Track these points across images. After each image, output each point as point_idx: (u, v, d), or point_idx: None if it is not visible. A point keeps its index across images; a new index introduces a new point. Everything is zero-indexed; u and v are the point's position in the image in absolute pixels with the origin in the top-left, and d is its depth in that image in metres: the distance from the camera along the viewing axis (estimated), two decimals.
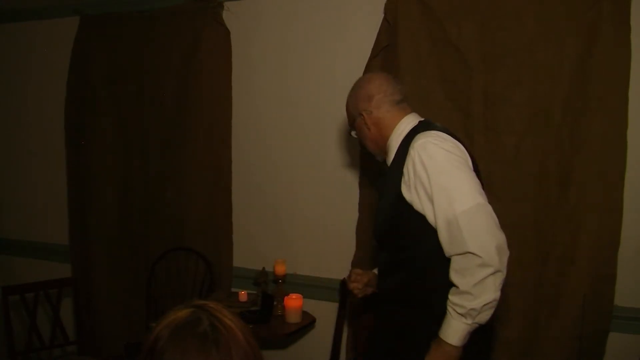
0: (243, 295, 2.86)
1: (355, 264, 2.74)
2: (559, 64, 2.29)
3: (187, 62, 3.07)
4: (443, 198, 1.50)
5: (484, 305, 1.46)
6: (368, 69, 2.62)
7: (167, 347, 0.88)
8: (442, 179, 1.50)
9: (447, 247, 1.52)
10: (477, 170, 1.64)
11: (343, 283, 2.59)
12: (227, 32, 3.00)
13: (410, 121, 1.71)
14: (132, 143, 3.29)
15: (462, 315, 1.48)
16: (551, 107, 2.32)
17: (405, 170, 1.58)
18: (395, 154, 1.68)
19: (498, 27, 2.36)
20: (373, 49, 2.60)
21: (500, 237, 1.49)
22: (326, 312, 2.82)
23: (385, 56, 2.59)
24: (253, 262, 2.99)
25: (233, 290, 3.03)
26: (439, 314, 1.54)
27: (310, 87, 2.87)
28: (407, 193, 1.58)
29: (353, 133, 1.86)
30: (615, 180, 2.24)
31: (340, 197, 2.82)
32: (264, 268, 2.85)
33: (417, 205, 1.57)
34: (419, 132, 1.62)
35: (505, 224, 2.18)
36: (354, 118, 1.79)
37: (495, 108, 2.40)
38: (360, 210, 2.73)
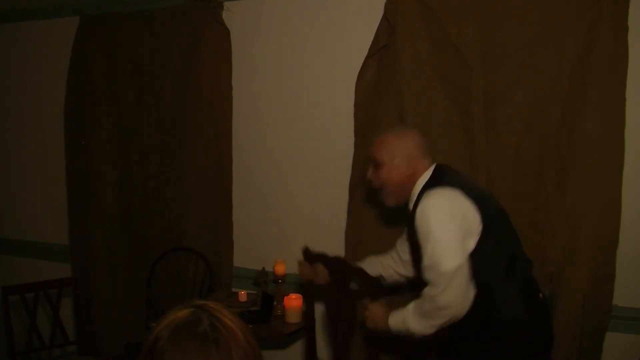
0: (243, 295, 2.86)
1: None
2: (559, 64, 2.29)
3: (187, 62, 3.07)
4: (431, 251, 1.73)
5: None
6: (365, 68, 2.62)
7: (167, 347, 0.88)
8: (435, 236, 1.73)
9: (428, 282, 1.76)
10: (487, 202, 1.85)
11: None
12: (227, 32, 3.00)
13: (429, 172, 1.91)
14: (132, 143, 3.29)
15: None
16: (551, 107, 2.32)
17: (416, 221, 1.80)
18: (416, 201, 1.86)
19: (498, 27, 2.36)
20: (370, 48, 2.60)
21: (465, 299, 1.71)
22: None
23: (382, 55, 2.59)
24: (253, 262, 2.99)
25: (233, 290, 3.03)
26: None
27: (310, 87, 2.87)
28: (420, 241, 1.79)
29: (372, 176, 1.98)
30: (613, 179, 2.24)
31: (341, 197, 2.82)
32: (263, 268, 2.85)
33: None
34: (429, 188, 1.83)
35: None
36: (394, 156, 1.92)
37: (495, 108, 2.40)
38: (349, 214, 2.74)
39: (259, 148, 3.03)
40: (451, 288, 1.68)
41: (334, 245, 2.80)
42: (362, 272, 2.19)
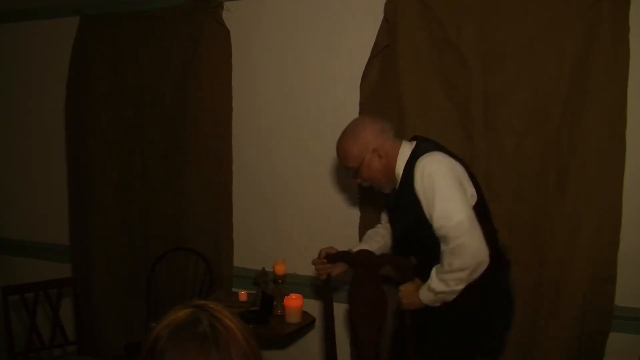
0: (243, 295, 2.86)
1: None
2: (559, 64, 2.29)
3: (187, 62, 3.07)
4: (442, 209, 1.80)
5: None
6: (368, 68, 2.62)
7: (167, 347, 0.88)
8: (440, 193, 1.80)
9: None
10: (470, 172, 1.95)
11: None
12: (227, 32, 3.00)
13: (406, 147, 1.98)
14: (132, 143, 3.29)
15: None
16: (551, 107, 2.32)
17: (416, 187, 1.85)
18: (403, 176, 1.94)
19: (498, 27, 2.36)
20: (373, 49, 2.60)
21: (482, 244, 1.80)
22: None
23: (384, 56, 2.59)
24: (253, 262, 2.99)
25: (233, 290, 3.03)
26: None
27: (311, 87, 2.87)
28: (425, 206, 1.85)
29: (358, 180, 2.04)
30: (614, 180, 2.24)
31: (341, 197, 2.82)
32: (263, 268, 2.85)
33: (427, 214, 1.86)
34: (419, 155, 1.89)
35: (504, 223, 2.21)
36: (362, 157, 1.98)
37: (495, 108, 2.40)
38: (362, 209, 2.73)
39: (259, 148, 3.03)
40: (467, 236, 1.75)
41: (334, 244, 2.80)
42: (394, 258, 2.14)
